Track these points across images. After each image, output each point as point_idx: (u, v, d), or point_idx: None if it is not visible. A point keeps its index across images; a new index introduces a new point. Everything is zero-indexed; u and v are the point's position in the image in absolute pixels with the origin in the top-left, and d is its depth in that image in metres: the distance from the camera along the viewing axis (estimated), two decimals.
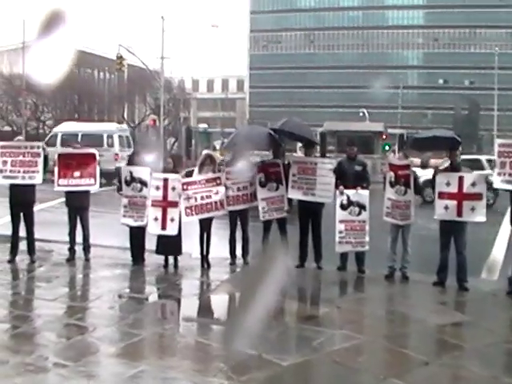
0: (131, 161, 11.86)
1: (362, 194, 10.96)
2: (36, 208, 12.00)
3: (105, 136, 30.28)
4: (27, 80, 48.00)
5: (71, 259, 11.52)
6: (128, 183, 11.30)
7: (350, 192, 10.95)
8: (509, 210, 10.16)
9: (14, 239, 11.43)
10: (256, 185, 11.46)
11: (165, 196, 11.07)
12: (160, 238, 11.08)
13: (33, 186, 11.47)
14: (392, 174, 10.92)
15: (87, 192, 11.76)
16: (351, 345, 7.31)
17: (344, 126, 44.38)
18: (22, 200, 11.28)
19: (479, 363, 6.91)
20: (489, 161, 21.94)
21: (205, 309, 9.32)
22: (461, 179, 10.21)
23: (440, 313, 9.12)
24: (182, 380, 6.29)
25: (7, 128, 50.60)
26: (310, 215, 11.44)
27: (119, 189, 11.51)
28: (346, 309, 9.27)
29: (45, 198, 14.29)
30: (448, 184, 10.26)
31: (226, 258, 11.57)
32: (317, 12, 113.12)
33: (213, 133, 51.44)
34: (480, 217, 10.15)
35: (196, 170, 11.61)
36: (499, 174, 10.13)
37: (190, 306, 9.35)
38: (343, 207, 10.97)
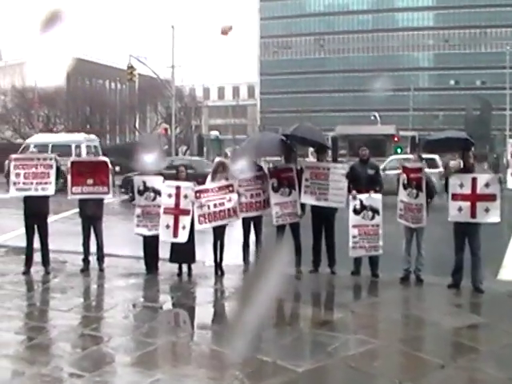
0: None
1: (374, 198, 10.93)
2: (49, 219, 12.05)
3: (73, 146, 31.55)
4: (39, 92, 48.61)
5: (85, 269, 11.56)
6: (141, 193, 11.34)
7: (363, 196, 10.92)
8: None
9: (29, 251, 11.48)
10: (269, 190, 11.47)
11: (177, 204, 11.09)
12: (173, 246, 11.10)
13: (46, 198, 11.52)
14: (405, 176, 10.89)
15: (100, 202, 11.81)
16: (366, 349, 7.28)
17: (355, 129, 44.29)
18: (36, 212, 11.33)
19: (496, 365, 6.85)
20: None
21: (219, 316, 9.31)
22: (474, 180, 10.14)
23: (455, 315, 9.06)
24: None
25: (20, 140, 50.91)
26: (323, 220, 11.42)
27: (132, 199, 11.53)
28: (361, 313, 9.24)
29: (58, 209, 14.37)
30: (461, 185, 10.19)
31: (240, 265, 11.56)
32: (326, 16, 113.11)
33: (224, 140, 51.56)
34: (494, 217, 10.08)
35: (209, 177, 11.63)
36: None
37: (204, 313, 9.34)
38: (356, 212, 10.94)
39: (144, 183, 11.35)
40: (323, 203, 11.32)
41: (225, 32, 22.13)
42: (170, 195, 11.12)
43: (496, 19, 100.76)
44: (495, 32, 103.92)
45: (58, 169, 11.58)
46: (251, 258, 11.56)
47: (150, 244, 11.41)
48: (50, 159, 11.75)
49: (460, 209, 10.14)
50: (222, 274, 11.24)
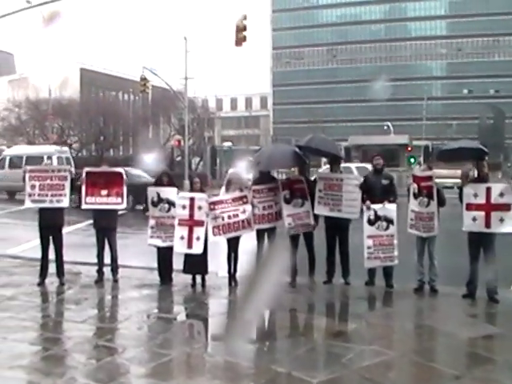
0: (158, 181, 11.85)
1: (389, 209, 10.90)
2: (64, 230, 12.10)
3: (45, 157, 32.39)
4: (53, 104, 48.98)
5: (99, 281, 11.61)
6: (155, 204, 11.37)
7: (377, 207, 10.90)
8: None
9: (44, 262, 11.53)
10: (281, 202, 11.47)
11: (191, 215, 11.11)
12: (186, 257, 11.12)
13: (61, 210, 11.59)
14: (415, 185, 10.87)
15: (115, 213, 11.85)
16: (381, 360, 7.24)
17: (368, 139, 44.32)
18: (51, 223, 11.39)
19: None
20: (357, 168, 26.32)
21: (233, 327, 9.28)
22: (488, 190, 10.11)
23: (470, 325, 9.01)
24: None
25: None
26: (337, 231, 11.41)
27: (145, 210, 11.57)
28: (375, 324, 9.19)
29: (72, 221, 14.42)
30: (475, 195, 10.16)
31: None
32: (338, 27, 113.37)
33: (237, 151, 51.59)
34: (509, 227, 10.01)
35: (223, 188, 11.66)
36: None
37: (218, 325, 9.33)
38: (370, 222, 10.92)
39: (158, 194, 11.38)
40: (337, 214, 11.31)
41: (239, 41, 22.11)
42: (184, 206, 11.15)
43: (509, 27, 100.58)
44: (508, 40, 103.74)
45: (72, 180, 11.66)
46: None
47: (164, 255, 11.43)
48: (65, 171, 11.82)
49: (474, 219, 10.11)
50: (236, 284, 11.23)
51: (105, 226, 11.69)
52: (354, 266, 11.31)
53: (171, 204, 11.30)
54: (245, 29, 22.39)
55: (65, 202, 11.52)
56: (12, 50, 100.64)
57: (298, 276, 11.41)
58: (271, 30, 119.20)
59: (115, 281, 11.63)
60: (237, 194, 11.38)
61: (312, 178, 11.94)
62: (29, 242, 14.60)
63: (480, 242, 10.11)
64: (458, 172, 11.14)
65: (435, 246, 10.74)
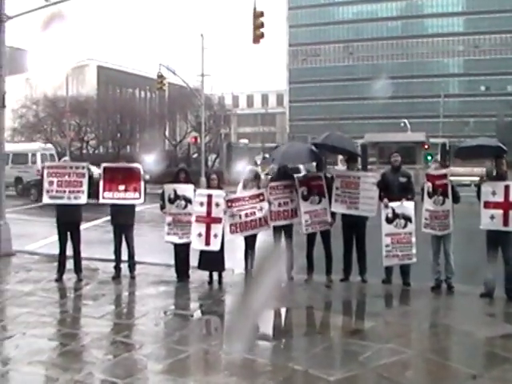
0: (175, 178, 11.81)
1: (407, 206, 10.86)
2: (82, 227, 12.16)
3: (29, 155, 34.66)
4: (70, 102, 49.21)
5: (117, 277, 11.68)
6: (172, 201, 11.39)
7: (395, 204, 10.86)
8: None
9: (61, 258, 11.62)
10: (298, 200, 11.46)
11: (209, 212, 11.13)
12: (202, 253, 11.14)
13: (79, 206, 11.66)
14: (430, 184, 10.82)
15: (132, 210, 11.89)
16: (398, 359, 7.22)
17: (385, 137, 44.04)
18: (68, 219, 11.48)
19: None
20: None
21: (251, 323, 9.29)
22: (507, 188, 10.03)
23: (488, 325, 8.94)
24: None
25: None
26: (354, 229, 11.38)
27: (162, 207, 11.60)
28: (393, 322, 9.15)
29: (89, 217, 14.49)
30: (494, 193, 10.09)
31: None
32: (355, 24, 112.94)
33: (253, 148, 51.58)
34: None
35: (240, 185, 11.66)
36: None
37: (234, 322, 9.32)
38: (388, 220, 10.89)
39: (175, 191, 11.40)
40: (354, 212, 11.27)
41: (257, 38, 22.08)
42: (201, 203, 11.17)
43: None
44: None
45: (90, 177, 11.72)
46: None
47: (181, 252, 11.46)
48: (83, 168, 11.88)
49: (492, 217, 10.03)
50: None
51: (122, 223, 11.75)
52: (371, 264, 11.27)
53: (188, 201, 11.32)
54: (262, 26, 22.34)
55: (82, 199, 11.59)
56: (26, 47, 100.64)
57: (314, 273, 11.40)
58: (288, 27, 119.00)
59: (132, 277, 11.69)
60: (254, 191, 11.38)
61: (329, 175, 11.89)
62: (46, 239, 14.71)
63: (498, 241, 10.03)
64: (475, 170, 11.11)
65: (451, 244, 10.68)
